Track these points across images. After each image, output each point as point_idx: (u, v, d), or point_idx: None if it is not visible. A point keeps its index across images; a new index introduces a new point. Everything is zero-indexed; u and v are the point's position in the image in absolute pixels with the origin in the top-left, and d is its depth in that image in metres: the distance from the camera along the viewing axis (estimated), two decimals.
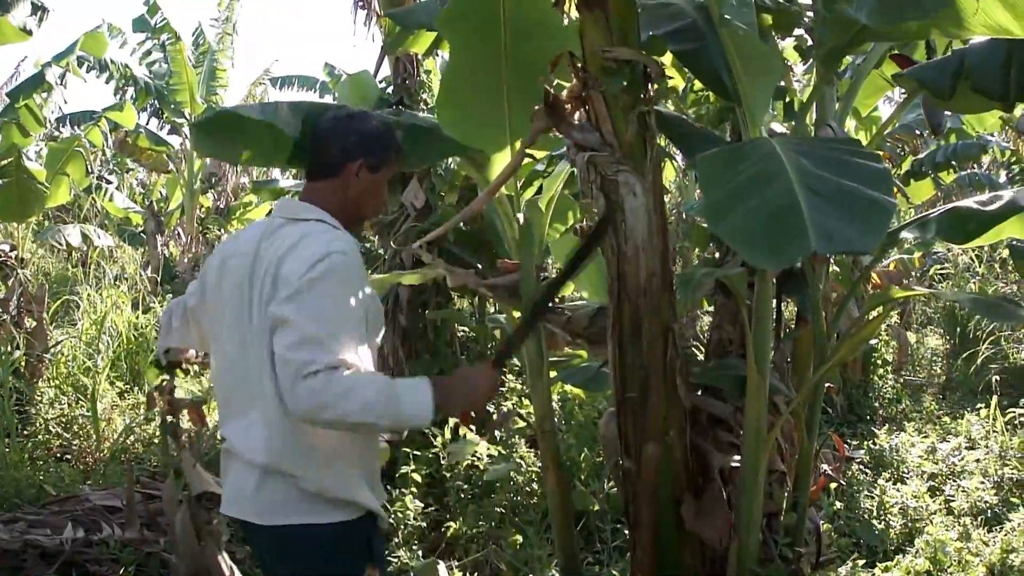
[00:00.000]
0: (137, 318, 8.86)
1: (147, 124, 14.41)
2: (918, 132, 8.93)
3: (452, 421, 5.68)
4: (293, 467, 2.49)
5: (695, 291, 2.80)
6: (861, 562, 4.90)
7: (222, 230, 14.92)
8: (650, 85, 3.37)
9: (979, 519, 5.75)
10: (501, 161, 3.91)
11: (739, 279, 3.24)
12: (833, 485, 5.55)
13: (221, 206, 15.80)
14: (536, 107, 3.40)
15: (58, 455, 6.66)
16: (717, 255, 3.76)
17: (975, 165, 11.37)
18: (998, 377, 8.80)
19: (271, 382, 2.45)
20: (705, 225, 3.94)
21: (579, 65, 3.33)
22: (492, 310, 7.42)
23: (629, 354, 3.34)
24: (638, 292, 3.28)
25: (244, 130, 3.43)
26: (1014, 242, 5.82)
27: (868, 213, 2.20)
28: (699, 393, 3.70)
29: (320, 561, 2.54)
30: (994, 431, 7.45)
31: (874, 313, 3.91)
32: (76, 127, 13.37)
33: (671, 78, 4.13)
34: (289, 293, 2.42)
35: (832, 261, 3.99)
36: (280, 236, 2.59)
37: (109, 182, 15.43)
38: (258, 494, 2.53)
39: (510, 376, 6.79)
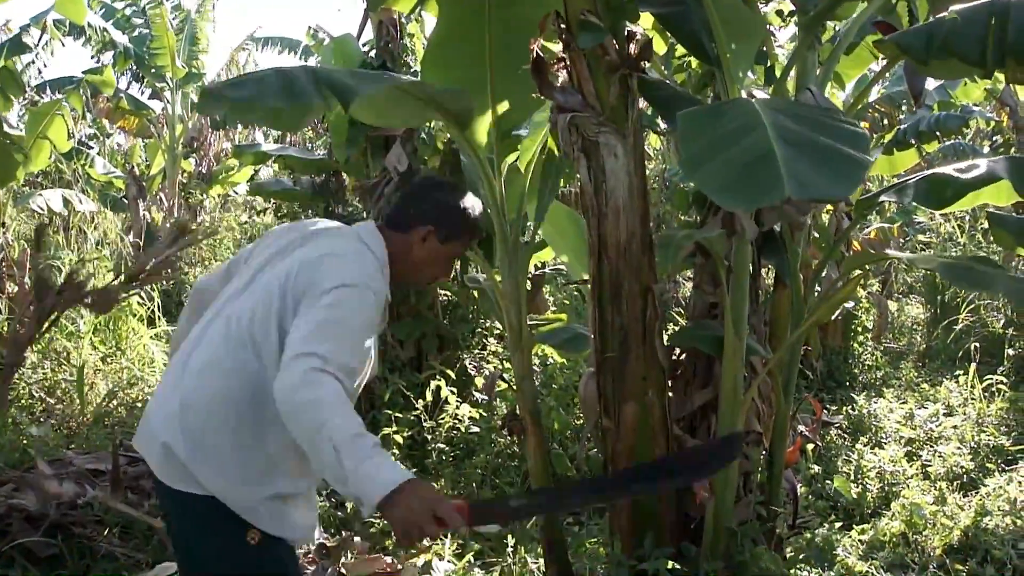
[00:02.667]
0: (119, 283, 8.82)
1: (127, 89, 14.30)
2: (900, 104, 8.96)
3: (433, 384, 5.72)
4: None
5: (675, 253, 2.83)
6: (838, 524, 4.96)
7: (204, 195, 14.85)
8: (632, 47, 3.38)
9: (955, 484, 5.83)
10: (483, 124, 3.92)
11: (718, 241, 3.26)
12: (811, 447, 5.61)
13: (203, 171, 15.70)
14: (518, 71, 3.41)
15: (41, 419, 6.66)
16: (698, 219, 3.78)
17: (959, 136, 11.41)
18: (976, 345, 8.88)
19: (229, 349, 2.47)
20: (686, 188, 3.96)
21: (563, 27, 3.34)
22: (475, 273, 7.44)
23: (609, 314, 3.37)
24: (618, 253, 3.31)
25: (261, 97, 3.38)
26: (992, 211, 5.85)
27: (843, 164, 2.22)
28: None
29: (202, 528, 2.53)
30: (972, 398, 7.53)
31: (854, 274, 3.94)
32: (57, 92, 13.24)
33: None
34: (325, 290, 2.41)
35: (811, 226, 4.01)
36: (333, 237, 2.67)
37: (90, 147, 15.34)
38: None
39: (491, 340, 6.83)
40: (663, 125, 6.05)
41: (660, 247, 2.81)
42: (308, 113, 3.32)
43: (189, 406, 2.44)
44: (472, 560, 4.33)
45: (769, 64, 4.07)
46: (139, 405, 7.07)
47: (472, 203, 2.84)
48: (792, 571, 4.15)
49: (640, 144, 3.39)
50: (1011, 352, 8.53)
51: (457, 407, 5.68)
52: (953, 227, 11.49)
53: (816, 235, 4.52)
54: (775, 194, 2.15)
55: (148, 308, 9.07)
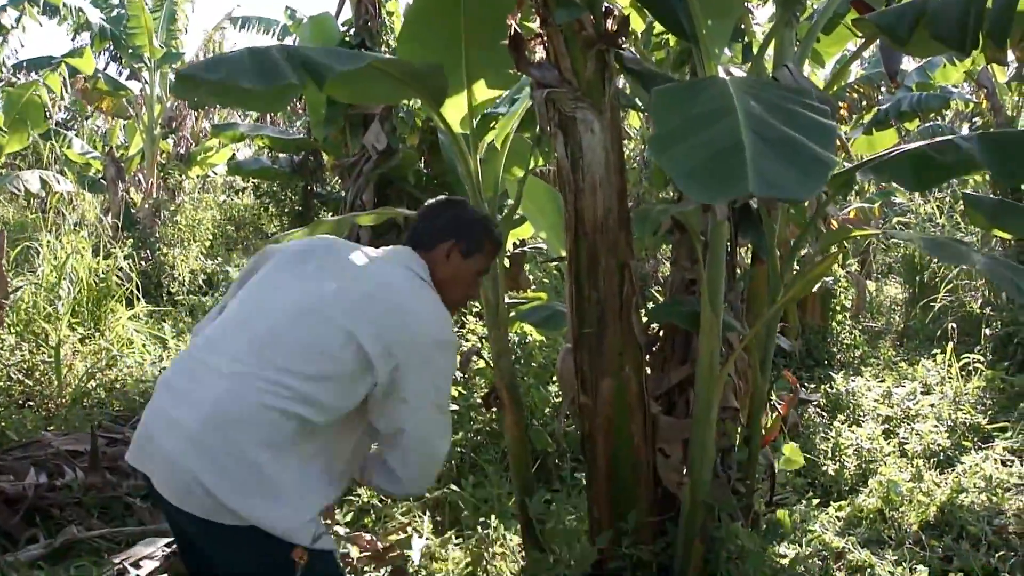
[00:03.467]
0: (98, 264, 8.78)
1: (105, 69, 14.20)
2: (879, 85, 8.99)
3: None
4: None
5: (651, 227, 2.82)
6: (815, 501, 4.99)
7: (183, 176, 14.77)
8: (609, 23, 3.37)
9: (932, 461, 5.87)
10: (459, 101, 3.91)
11: (693, 216, 3.27)
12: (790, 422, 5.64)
13: (182, 151, 15.62)
14: (494, 47, 3.40)
15: (20, 401, 6.63)
16: (675, 195, 3.79)
17: (939, 117, 11.46)
18: (954, 325, 8.94)
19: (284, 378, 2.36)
20: None
21: (540, 2, 3.33)
22: None
23: (585, 290, 3.37)
24: (595, 228, 3.31)
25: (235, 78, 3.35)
26: (968, 192, 5.88)
27: (809, 164, 2.22)
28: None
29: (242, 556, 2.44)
30: (949, 377, 7.58)
31: (831, 250, 3.95)
32: (34, 73, 13.15)
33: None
34: (421, 360, 2.47)
35: (789, 204, 4.01)
36: (394, 272, 2.60)
37: (69, 128, 15.24)
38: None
39: (470, 317, 6.81)
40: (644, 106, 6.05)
41: (636, 222, 2.80)
42: (284, 94, 3.31)
43: (215, 429, 2.31)
44: (450, 537, 4.33)
45: (746, 41, 4.07)
46: (117, 386, 7.04)
47: (480, 211, 2.88)
48: (769, 547, 4.17)
49: (617, 120, 3.39)
50: (988, 332, 8.59)
51: None
52: (932, 208, 11.55)
53: (793, 212, 4.53)
54: (738, 189, 2.15)
55: (127, 289, 9.03)
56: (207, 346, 2.49)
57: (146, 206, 13.61)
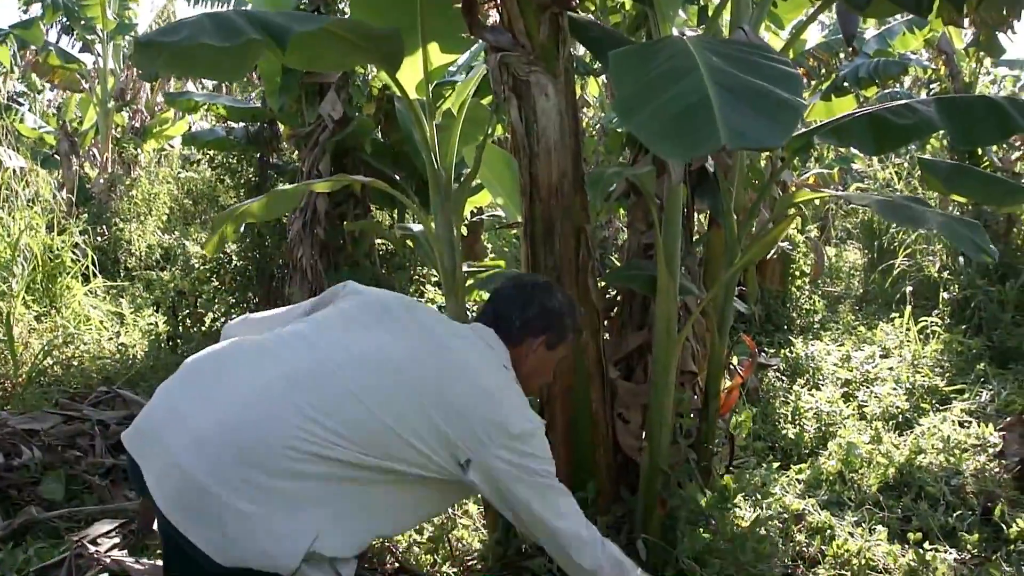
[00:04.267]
0: (52, 240, 8.67)
1: (57, 42, 13.91)
2: (837, 52, 9.01)
3: None
4: None
5: (604, 190, 2.80)
6: (776, 464, 5.02)
7: (139, 150, 14.56)
8: None
9: (891, 424, 5.92)
10: (414, 65, 3.86)
11: (648, 178, 3.25)
12: (749, 386, 5.67)
13: (137, 125, 15.40)
14: (448, 10, 3.36)
15: None
16: (631, 158, 3.76)
17: (897, 83, 11.50)
18: (912, 289, 9.02)
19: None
20: (619, 129, 3.94)
21: None
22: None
23: (541, 255, 3.35)
24: (550, 193, 3.29)
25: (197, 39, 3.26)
26: (923, 157, 5.92)
27: (777, 110, 2.19)
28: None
29: None
30: (907, 341, 7.65)
31: (789, 213, 3.94)
32: None
33: None
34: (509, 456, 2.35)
35: (748, 167, 4.01)
36: (481, 348, 2.50)
37: (20, 103, 14.96)
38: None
39: (429, 287, 6.79)
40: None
41: (589, 185, 2.77)
42: (248, 58, 3.24)
43: (229, 441, 2.14)
44: None
45: (702, 3, 4.04)
46: (75, 363, 6.96)
47: (565, 295, 2.75)
48: (729, 510, 4.19)
49: (572, 84, 3.36)
50: (946, 295, 8.66)
51: None
52: (891, 174, 11.61)
53: (750, 175, 4.53)
54: (711, 144, 2.12)
55: (82, 265, 8.91)
56: (248, 355, 2.33)
57: (101, 181, 13.42)
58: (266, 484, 2.10)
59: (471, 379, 2.37)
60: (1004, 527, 4.31)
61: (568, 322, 2.69)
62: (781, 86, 2.33)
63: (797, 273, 9.49)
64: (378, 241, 6.81)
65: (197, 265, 7.69)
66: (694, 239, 3.91)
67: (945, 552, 4.03)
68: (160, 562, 3.75)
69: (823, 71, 9.06)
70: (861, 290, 10.60)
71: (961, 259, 9.15)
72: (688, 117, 2.21)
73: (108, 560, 3.72)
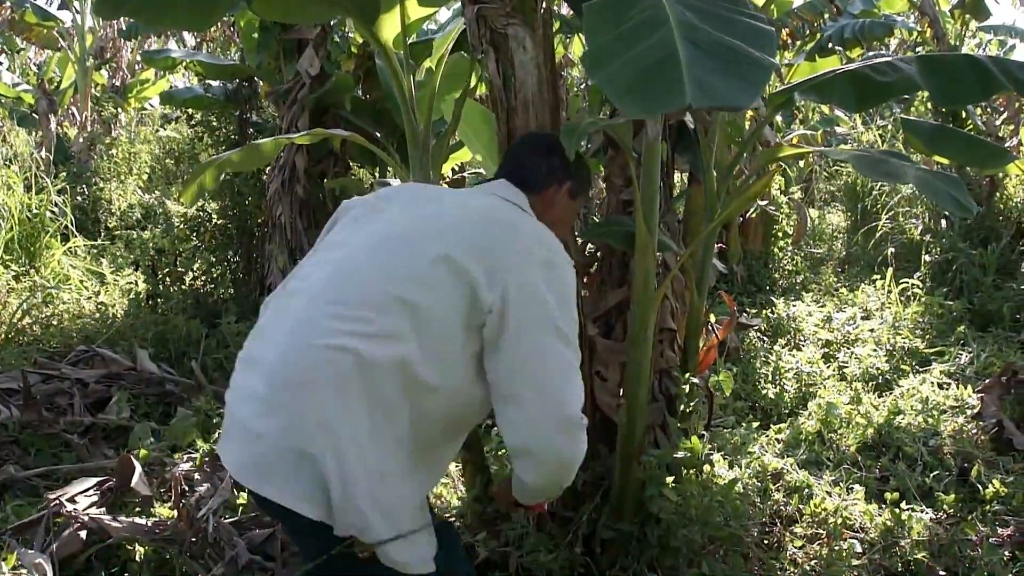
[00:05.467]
0: (30, 199, 8.60)
1: None
2: (822, 12, 8.96)
3: None
4: None
5: (578, 140, 2.75)
6: (755, 424, 5.04)
7: (118, 109, 14.42)
8: None
9: (870, 384, 5.95)
10: (391, 19, 3.81)
11: (625, 131, 3.21)
12: (729, 345, 5.67)
13: (116, 83, 15.24)
14: None
15: None
16: (608, 113, 3.73)
17: (883, 45, 11.47)
18: (893, 251, 9.04)
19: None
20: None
21: None
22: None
23: None
24: None
25: None
26: (906, 117, 5.90)
27: (747, 69, 2.15)
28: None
29: None
30: (888, 302, 7.67)
31: (771, 168, 3.92)
32: None
33: None
34: (533, 280, 2.18)
35: (727, 121, 3.98)
36: (494, 199, 2.43)
37: None
38: None
39: None
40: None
41: (563, 135, 2.72)
42: (216, 8, 3.19)
43: (282, 389, 2.09)
44: None
45: None
46: (54, 323, 6.92)
47: (583, 155, 2.73)
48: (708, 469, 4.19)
49: (550, 36, 3.31)
50: (928, 258, 8.68)
51: None
52: (874, 136, 11.59)
53: (731, 132, 4.50)
54: (676, 102, 2.07)
55: (61, 224, 8.85)
56: (277, 311, 2.29)
57: (80, 140, 13.30)
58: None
59: (496, 216, 2.33)
60: (980, 487, 4.34)
61: (586, 171, 2.73)
62: (753, 43, 2.29)
63: (780, 234, 9.49)
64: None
65: (177, 224, 7.64)
66: (674, 196, 3.88)
67: (921, 512, 4.05)
68: (138, 520, 3.76)
69: (807, 32, 9.01)
70: (844, 252, 10.61)
71: (944, 222, 9.17)
72: (655, 73, 2.16)
73: (86, 518, 3.71)
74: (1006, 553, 3.75)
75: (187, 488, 4.04)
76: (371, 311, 2.10)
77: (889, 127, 11.83)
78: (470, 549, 3.58)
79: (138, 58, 15.30)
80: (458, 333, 2.15)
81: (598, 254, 3.87)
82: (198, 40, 11.66)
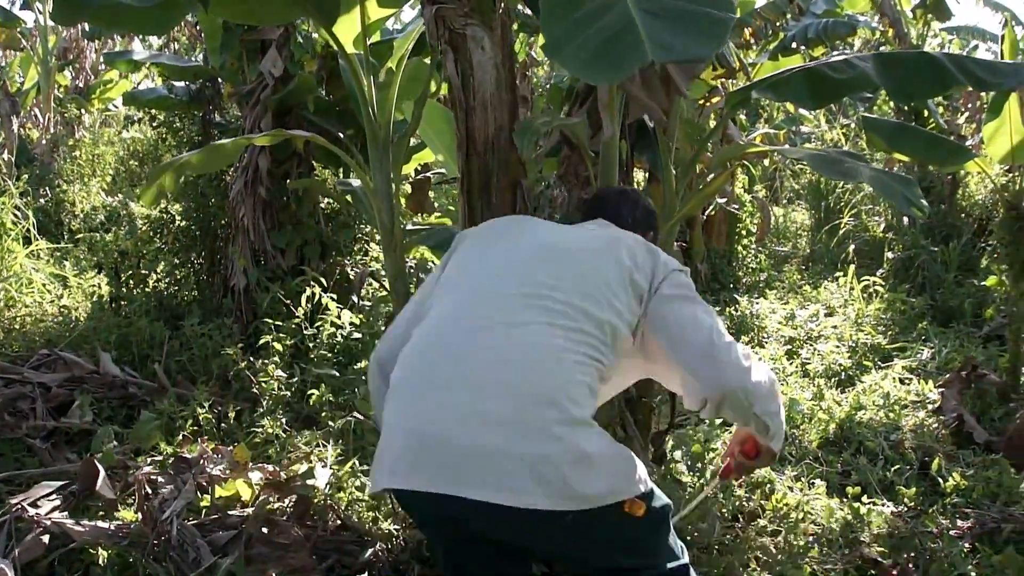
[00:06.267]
0: None
1: None
2: (785, 12, 9.00)
3: (309, 291, 5.64)
4: None
5: (532, 138, 2.77)
6: (718, 421, 5.06)
7: (82, 110, 14.29)
8: None
9: (833, 381, 6.00)
10: (351, 20, 3.82)
11: (582, 129, 3.23)
12: None
13: (80, 85, 15.09)
14: None
15: None
16: (567, 112, 3.74)
17: (846, 45, 11.56)
18: (856, 248, 9.12)
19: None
20: (560, 85, 3.91)
21: None
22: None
23: (478, 209, 3.33)
24: (486, 147, 3.27)
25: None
26: (867, 115, 5.95)
27: (705, 25, 2.20)
28: None
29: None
30: (851, 300, 7.73)
31: (728, 166, 3.95)
32: None
33: None
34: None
35: (687, 119, 4.01)
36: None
37: None
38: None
39: (374, 245, 6.75)
40: None
41: (517, 134, 2.74)
42: (174, 12, 3.19)
43: (526, 401, 2.19)
44: (355, 465, 4.31)
45: None
46: (16, 327, 6.86)
47: None
48: (671, 465, 4.22)
49: (508, 37, 3.33)
50: (890, 255, 8.77)
51: (338, 314, 5.61)
52: (838, 135, 11.69)
53: (690, 131, 4.52)
54: (637, 60, 2.12)
55: (23, 227, 8.78)
56: (445, 330, 2.38)
57: (43, 142, 13.17)
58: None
59: (630, 241, 2.63)
60: (941, 481, 4.39)
61: (657, 224, 3.02)
62: (709, 4, 2.33)
63: (743, 232, 9.55)
64: (324, 201, 6.75)
65: (141, 226, 7.58)
66: None
67: (883, 505, 4.10)
68: (101, 523, 3.74)
69: (770, 31, 9.06)
70: (808, 250, 10.69)
71: (906, 220, 9.27)
72: (614, 42, 2.23)
73: (48, 522, 3.68)
74: (966, 545, 3.79)
75: (150, 491, 4.01)
76: (584, 317, 2.39)
77: (852, 126, 11.94)
78: (431, 549, 3.58)
79: (102, 59, 15.17)
80: (630, 320, 2.53)
81: None
82: (163, 41, 11.56)
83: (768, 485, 4.20)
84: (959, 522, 4.07)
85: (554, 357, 2.24)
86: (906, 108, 9.41)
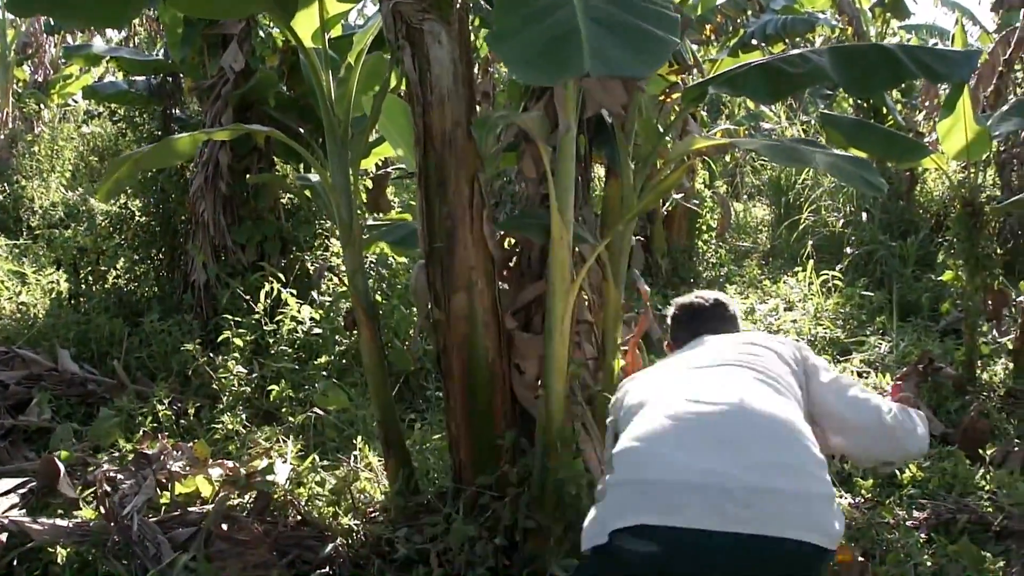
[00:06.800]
0: None
1: None
2: (745, 10, 9.07)
3: (268, 287, 5.63)
4: None
5: (488, 132, 2.79)
6: None
7: (41, 105, 14.14)
8: None
9: None
10: (309, 15, 3.82)
11: (538, 124, 3.24)
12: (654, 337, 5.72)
13: (39, 79, 14.94)
14: None
15: None
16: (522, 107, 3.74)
17: (806, 42, 11.65)
18: (816, 243, 9.20)
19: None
20: (516, 80, 3.91)
21: None
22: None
23: (435, 204, 3.35)
24: (443, 142, 3.28)
25: None
26: (825, 112, 6.02)
27: (647, 44, 2.22)
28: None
29: None
30: (810, 294, 7.79)
31: (685, 161, 3.97)
32: None
33: None
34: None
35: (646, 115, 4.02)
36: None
37: None
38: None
39: (333, 240, 6.73)
40: None
41: (475, 128, 2.76)
42: (130, 5, 3.17)
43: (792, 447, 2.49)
44: (315, 460, 4.31)
45: None
46: None
47: None
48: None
49: (466, 31, 3.34)
50: (849, 250, 8.85)
51: (298, 309, 5.60)
52: (798, 131, 11.78)
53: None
54: (574, 69, 2.14)
55: None
56: (702, 402, 2.60)
57: (1, 137, 13.02)
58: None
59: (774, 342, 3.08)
60: (897, 472, 4.43)
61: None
62: (656, 24, 2.36)
63: (704, 228, 9.61)
64: (285, 196, 6.73)
65: (100, 222, 7.52)
66: (591, 189, 3.92)
67: (840, 497, 4.14)
68: (60, 521, 3.71)
69: (731, 28, 9.13)
70: (768, 245, 10.76)
71: (864, 215, 9.36)
72: (556, 45, 2.25)
73: (7, 521, 3.66)
74: (922, 535, 3.84)
75: (110, 488, 4.00)
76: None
77: (813, 123, 12.03)
78: (390, 544, 3.60)
79: (61, 54, 15.01)
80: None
81: (517, 248, 3.89)
82: (123, 35, 11.47)
83: None
84: (915, 513, 4.13)
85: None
86: (865, 105, 9.50)
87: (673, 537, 2.32)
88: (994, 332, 6.44)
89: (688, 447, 2.45)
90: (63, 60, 15.04)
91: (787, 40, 9.29)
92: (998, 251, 6.24)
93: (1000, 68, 8.68)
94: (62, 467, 4.09)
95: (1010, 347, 6.14)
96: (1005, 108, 6.65)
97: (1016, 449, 4.80)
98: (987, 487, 4.35)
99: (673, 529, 2.33)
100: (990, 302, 6.03)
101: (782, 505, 2.33)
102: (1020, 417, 5.51)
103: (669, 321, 3.51)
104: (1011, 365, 6.02)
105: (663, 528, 2.33)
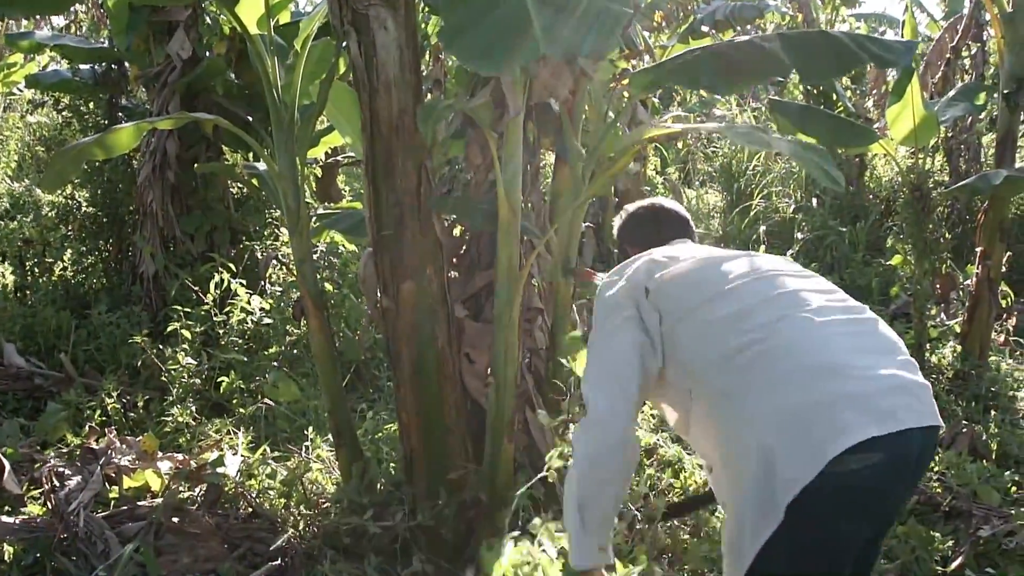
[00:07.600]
0: None
1: None
2: None
3: (218, 277, 5.57)
4: None
5: (435, 122, 2.77)
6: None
7: None
8: None
9: None
10: (254, 1, 3.78)
11: (485, 111, 3.22)
12: None
13: None
14: None
15: None
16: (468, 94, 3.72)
17: (757, 29, 11.70)
18: (767, 229, 9.26)
19: None
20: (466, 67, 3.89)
21: None
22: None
23: (383, 191, 3.32)
24: (390, 128, 3.25)
25: None
26: (774, 98, 6.05)
27: (599, 19, 2.22)
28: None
29: None
30: None
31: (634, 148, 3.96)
32: None
33: None
34: None
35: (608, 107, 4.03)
36: None
37: None
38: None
39: (283, 230, 6.67)
40: None
41: (420, 118, 2.74)
42: None
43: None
44: (266, 452, 4.28)
45: None
46: None
47: None
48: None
49: (412, 17, 3.30)
50: (800, 235, 8.92)
51: (248, 299, 5.56)
52: (749, 117, 11.84)
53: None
54: (530, 53, 2.14)
55: None
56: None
57: None
58: None
59: None
60: None
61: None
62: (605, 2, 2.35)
63: None
64: (234, 186, 6.67)
65: (46, 212, 7.41)
66: (540, 176, 3.91)
67: None
68: (6, 518, 3.66)
69: (681, 14, 9.15)
70: (720, 231, 10.82)
71: (815, 201, 9.44)
72: (508, 34, 2.26)
73: None
74: None
75: (57, 484, 3.94)
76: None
77: (763, 109, 12.09)
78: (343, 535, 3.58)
79: (3, 41, 14.73)
80: None
81: (467, 235, 3.88)
82: (66, 22, 11.25)
83: (678, 463, 4.25)
84: None
85: None
86: (815, 92, 9.57)
87: (891, 442, 2.31)
88: (942, 315, 6.52)
89: (858, 353, 2.42)
90: (7, 48, 14.76)
91: (737, 27, 9.33)
92: (946, 236, 6.32)
93: (947, 55, 8.80)
94: (7, 464, 4.04)
95: (958, 330, 6.23)
96: (952, 94, 6.73)
97: (964, 431, 4.86)
98: (936, 468, 4.41)
99: (891, 435, 2.31)
100: (938, 286, 6.11)
101: (929, 395, 2.41)
102: (968, 399, 5.60)
103: (622, 224, 3.14)
104: (959, 348, 6.11)
105: (885, 437, 2.30)
